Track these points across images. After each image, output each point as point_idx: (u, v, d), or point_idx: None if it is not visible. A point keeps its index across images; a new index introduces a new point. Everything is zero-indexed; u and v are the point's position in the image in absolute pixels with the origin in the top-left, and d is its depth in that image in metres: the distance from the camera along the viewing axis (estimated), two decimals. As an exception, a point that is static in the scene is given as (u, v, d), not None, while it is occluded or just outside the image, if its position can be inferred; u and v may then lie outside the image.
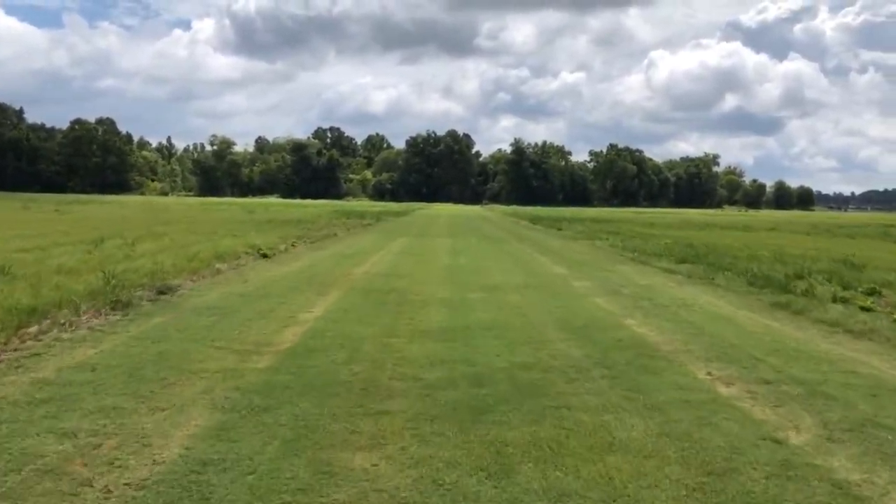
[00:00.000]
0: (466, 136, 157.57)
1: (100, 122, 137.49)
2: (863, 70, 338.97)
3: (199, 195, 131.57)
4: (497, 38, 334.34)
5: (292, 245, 18.65)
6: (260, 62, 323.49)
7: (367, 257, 16.25)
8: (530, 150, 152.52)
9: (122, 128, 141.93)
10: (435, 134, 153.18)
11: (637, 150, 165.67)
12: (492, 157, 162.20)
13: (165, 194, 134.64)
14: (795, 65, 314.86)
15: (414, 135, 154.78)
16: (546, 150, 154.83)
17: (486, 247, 21.26)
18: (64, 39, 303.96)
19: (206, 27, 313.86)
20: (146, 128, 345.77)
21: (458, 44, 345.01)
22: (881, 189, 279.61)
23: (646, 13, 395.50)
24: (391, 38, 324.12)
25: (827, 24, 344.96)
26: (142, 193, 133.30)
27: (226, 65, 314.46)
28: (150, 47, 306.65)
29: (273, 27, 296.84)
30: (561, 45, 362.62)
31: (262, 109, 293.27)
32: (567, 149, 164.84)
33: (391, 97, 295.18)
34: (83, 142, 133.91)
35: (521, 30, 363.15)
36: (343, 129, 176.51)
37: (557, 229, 33.42)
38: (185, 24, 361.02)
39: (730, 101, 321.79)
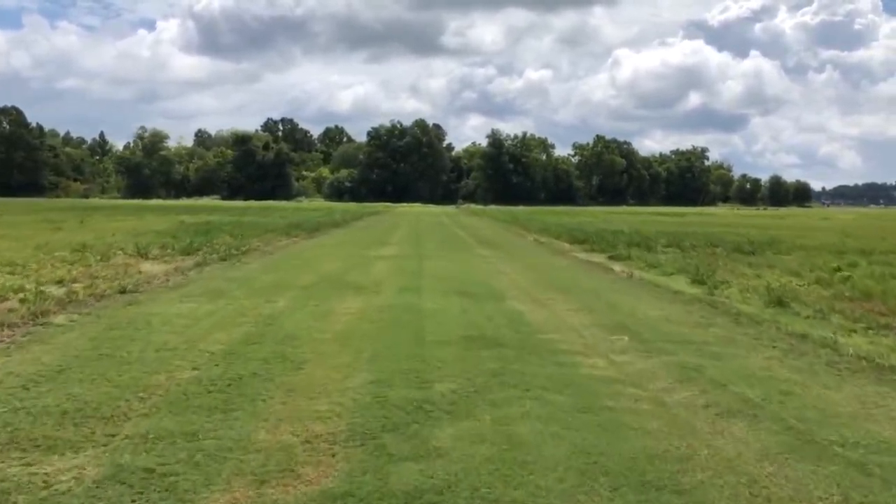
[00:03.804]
0: (437, 126, 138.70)
1: (3, 111, 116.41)
2: (821, 68, 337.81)
3: (126, 197, 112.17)
4: (464, 37, 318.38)
5: None
6: (225, 62, 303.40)
7: None
8: (509, 142, 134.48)
9: (91, 131, 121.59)
10: (401, 124, 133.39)
11: (625, 143, 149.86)
12: (466, 151, 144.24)
13: (86, 197, 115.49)
14: (756, 63, 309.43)
15: (376, 125, 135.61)
16: (526, 142, 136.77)
17: None
18: (23, 39, 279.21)
19: (170, 27, 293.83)
20: (109, 129, 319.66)
21: (424, 42, 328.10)
22: (851, 184, 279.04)
23: (610, 12, 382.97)
24: (357, 36, 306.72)
25: (786, 23, 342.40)
26: (57, 196, 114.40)
27: (190, 65, 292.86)
28: (113, 47, 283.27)
29: (238, 27, 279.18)
30: (527, 44, 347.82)
31: (230, 109, 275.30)
32: (550, 141, 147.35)
33: (358, 96, 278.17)
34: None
35: (488, 28, 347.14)
36: (308, 127, 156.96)
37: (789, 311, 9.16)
38: (150, 24, 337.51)
39: (693, 99, 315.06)
